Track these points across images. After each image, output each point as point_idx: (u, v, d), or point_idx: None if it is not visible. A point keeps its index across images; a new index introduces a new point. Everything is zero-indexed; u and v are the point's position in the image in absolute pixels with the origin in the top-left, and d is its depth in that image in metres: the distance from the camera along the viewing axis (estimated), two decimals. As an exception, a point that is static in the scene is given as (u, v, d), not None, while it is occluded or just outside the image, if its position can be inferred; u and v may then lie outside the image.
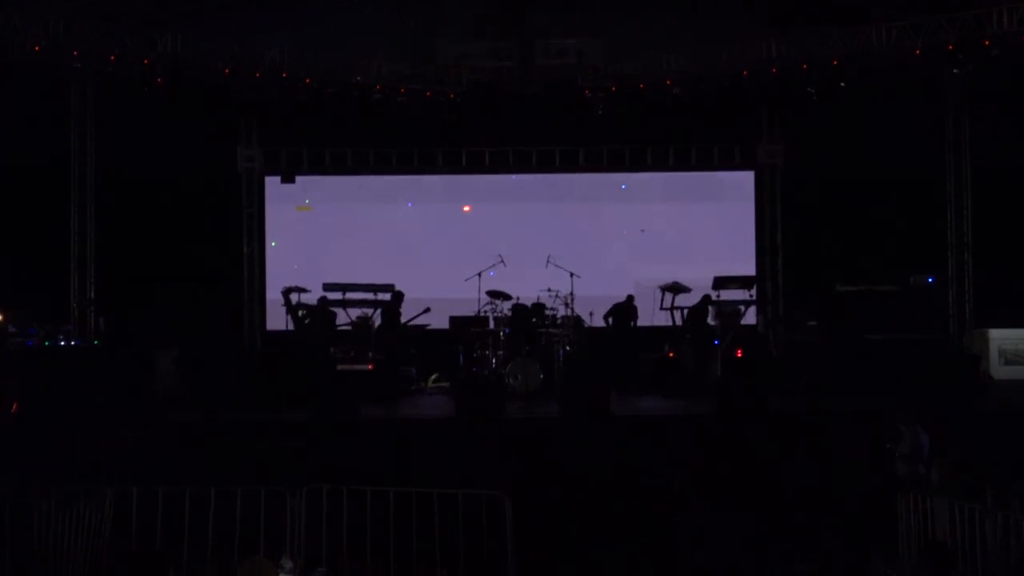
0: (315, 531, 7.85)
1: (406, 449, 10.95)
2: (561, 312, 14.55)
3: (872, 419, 10.67)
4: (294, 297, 14.56)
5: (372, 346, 14.20)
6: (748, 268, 17.36)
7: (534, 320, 14.38)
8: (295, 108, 16.44)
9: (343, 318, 14.67)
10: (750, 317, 15.08)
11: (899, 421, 9.59)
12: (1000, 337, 15.43)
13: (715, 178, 18.19)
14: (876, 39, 15.25)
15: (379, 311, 14.46)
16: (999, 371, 15.20)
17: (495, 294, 14.41)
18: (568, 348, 14.21)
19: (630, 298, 15.26)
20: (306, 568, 7.20)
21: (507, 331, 14.18)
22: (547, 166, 18.06)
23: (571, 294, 14.59)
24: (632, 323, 15.16)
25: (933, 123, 16.97)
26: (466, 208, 18.33)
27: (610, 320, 15.14)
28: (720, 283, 14.17)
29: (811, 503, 9.71)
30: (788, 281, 17.76)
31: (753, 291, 14.90)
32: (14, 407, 11.69)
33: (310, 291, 14.56)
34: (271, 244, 18.11)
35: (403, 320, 14.71)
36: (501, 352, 14.03)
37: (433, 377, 15.14)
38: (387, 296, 14.43)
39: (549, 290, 14.68)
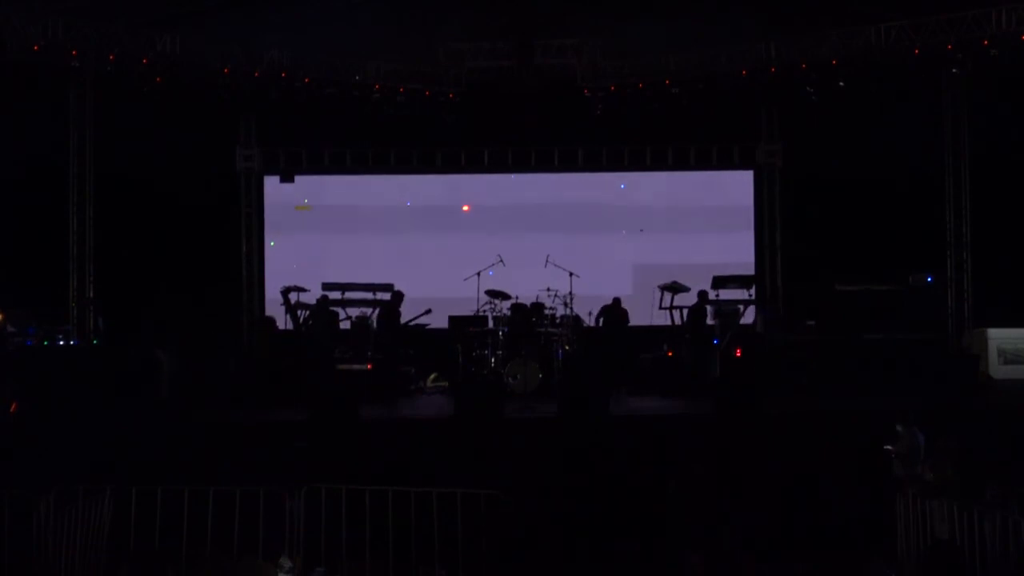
0: (314, 531, 7.85)
1: (405, 448, 10.94)
2: (560, 312, 14.53)
3: (871, 419, 10.66)
4: (293, 296, 14.56)
5: (371, 346, 14.18)
6: (747, 268, 17.38)
7: (533, 320, 14.37)
8: (294, 108, 16.46)
9: (342, 317, 14.67)
10: (749, 316, 15.08)
11: (896, 421, 9.59)
12: (999, 337, 15.44)
13: (714, 178, 18.19)
14: (875, 39, 15.27)
15: (378, 311, 14.45)
16: (998, 371, 15.20)
17: (494, 293, 14.39)
18: (567, 347, 14.19)
19: (617, 300, 15.22)
20: (305, 568, 7.20)
21: (506, 331, 14.17)
22: (546, 166, 18.08)
23: (570, 293, 14.57)
24: (623, 324, 15.10)
25: (932, 123, 16.96)
26: (465, 208, 18.34)
27: (600, 322, 15.10)
28: (719, 282, 14.18)
29: (811, 503, 9.72)
30: (787, 281, 17.78)
31: (752, 291, 14.90)
32: (13, 407, 11.68)
33: (309, 290, 14.56)
34: (270, 244, 18.13)
35: (404, 320, 14.70)
36: (500, 352, 14.01)
37: (432, 377, 15.12)
38: (386, 296, 14.43)
39: (548, 289, 14.66)
